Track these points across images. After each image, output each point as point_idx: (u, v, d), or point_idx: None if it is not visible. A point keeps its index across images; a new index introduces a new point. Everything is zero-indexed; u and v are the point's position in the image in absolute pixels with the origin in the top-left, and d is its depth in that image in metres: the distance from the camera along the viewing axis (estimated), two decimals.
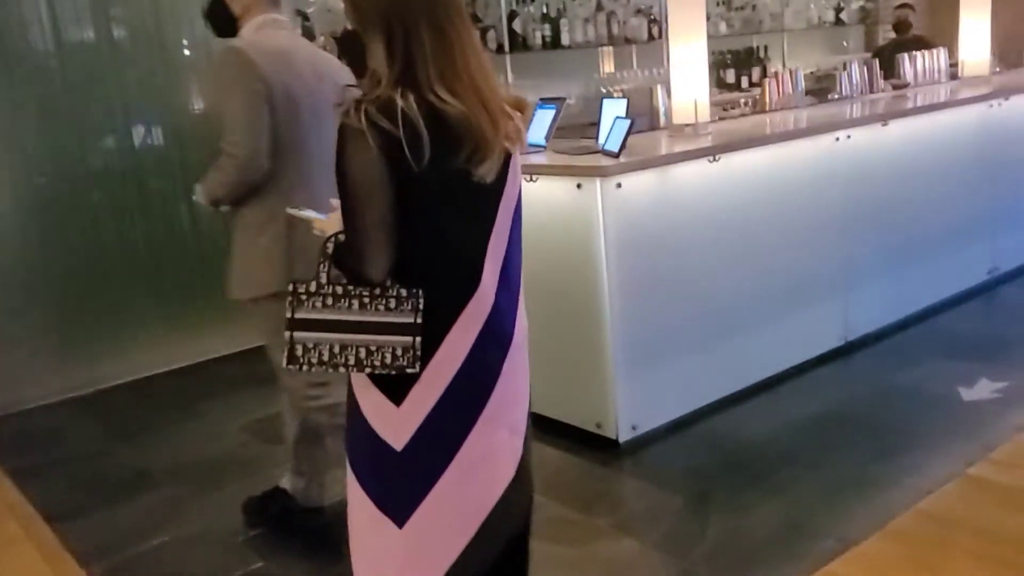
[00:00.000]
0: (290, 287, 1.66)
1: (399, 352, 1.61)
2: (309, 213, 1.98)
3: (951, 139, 4.62)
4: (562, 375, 3.49)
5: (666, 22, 6.17)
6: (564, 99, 3.67)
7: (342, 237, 1.67)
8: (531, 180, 3.35)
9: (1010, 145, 4.93)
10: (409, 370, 1.62)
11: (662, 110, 3.88)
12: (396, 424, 1.67)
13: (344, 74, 2.85)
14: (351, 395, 1.74)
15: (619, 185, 3.19)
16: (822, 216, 4.01)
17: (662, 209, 3.40)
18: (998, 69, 5.58)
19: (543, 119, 3.61)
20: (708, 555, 2.70)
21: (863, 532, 2.74)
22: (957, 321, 4.57)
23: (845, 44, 7.89)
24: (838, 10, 7.57)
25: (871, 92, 4.91)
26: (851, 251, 4.15)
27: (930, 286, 4.63)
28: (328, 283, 1.65)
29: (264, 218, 2.64)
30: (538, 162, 3.43)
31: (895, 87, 5.08)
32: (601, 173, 3.10)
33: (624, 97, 3.48)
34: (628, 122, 3.15)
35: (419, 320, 1.61)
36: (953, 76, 5.41)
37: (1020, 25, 6.02)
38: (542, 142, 3.57)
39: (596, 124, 3.70)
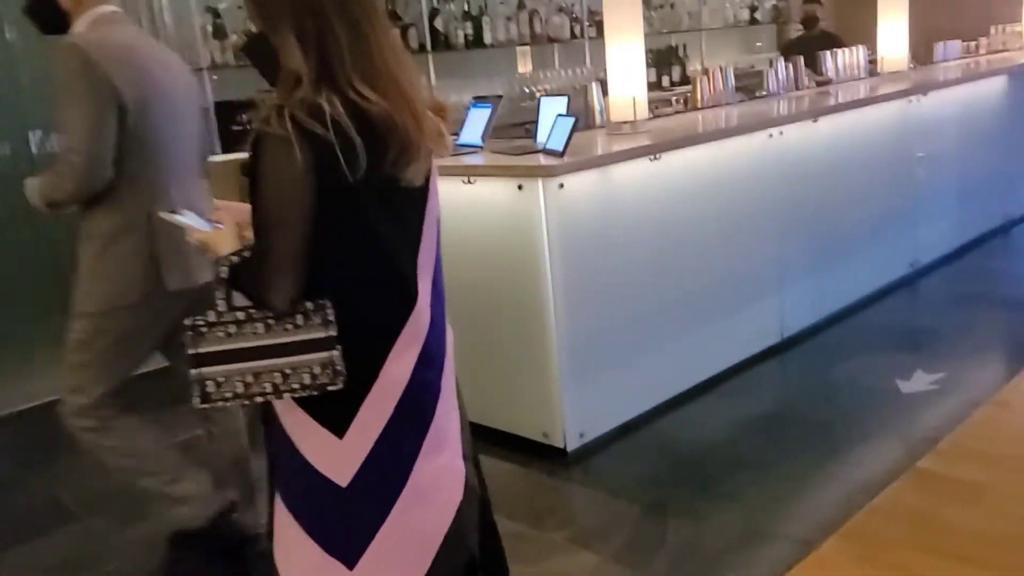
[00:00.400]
0: (187, 322, 1.51)
1: (317, 370, 1.48)
2: (188, 219, 1.78)
3: (874, 134, 4.69)
4: (506, 384, 3.37)
5: (587, 21, 6.17)
6: (500, 97, 3.55)
7: (236, 259, 1.52)
8: (469, 182, 3.22)
9: (927, 140, 5.04)
10: (331, 387, 1.49)
11: (598, 108, 3.80)
12: (340, 458, 1.54)
13: (186, 71, 2.70)
14: (282, 435, 1.58)
15: (561, 185, 3.08)
16: (757, 213, 4.00)
17: (604, 209, 3.31)
18: (912, 65, 5.71)
19: (478, 118, 3.48)
20: (669, 566, 2.62)
21: (820, 533, 2.72)
22: (886, 314, 4.63)
23: (759, 44, 8.00)
24: (753, 9, 7.67)
25: (796, 89, 4.94)
26: (785, 247, 4.16)
27: (858, 280, 4.68)
28: (229, 310, 1.50)
29: (121, 225, 2.47)
30: (475, 163, 3.30)
31: (818, 83, 5.14)
32: (545, 173, 2.99)
33: (565, 95, 3.37)
34: (572, 120, 3.04)
35: (332, 332, 1.48)
36: (871, 72, 5.51)
37: (930, 22, 6.18)
38: (478, 142, 3.44)
39: (528, 123, 3.61)
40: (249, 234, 1.52)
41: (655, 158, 3.36)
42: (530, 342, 3.26)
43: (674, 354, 3.66)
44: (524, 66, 6.16)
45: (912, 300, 4.88)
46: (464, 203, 3.31)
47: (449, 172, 3.29)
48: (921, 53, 6.25)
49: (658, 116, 4.11)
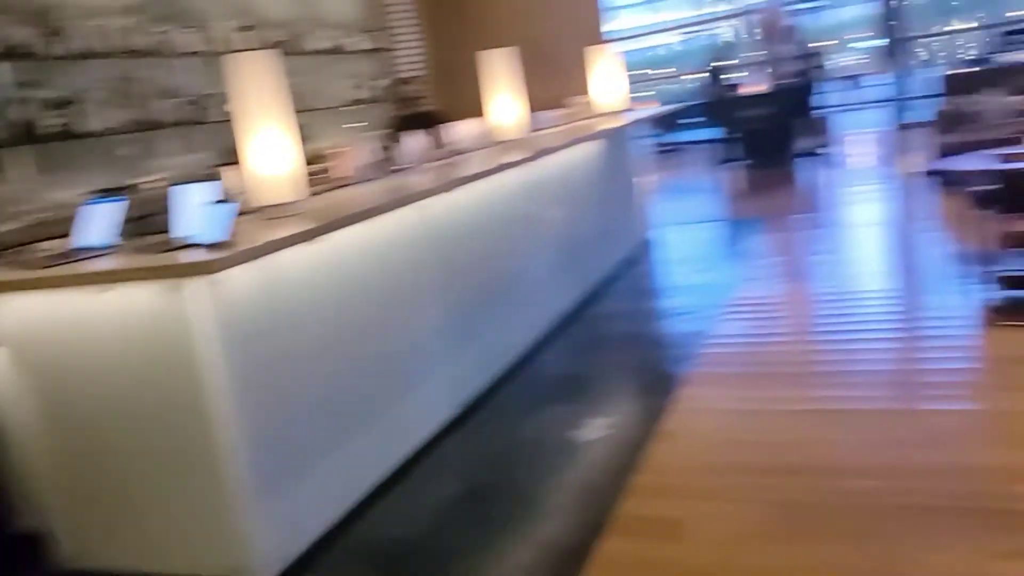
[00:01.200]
0: None
1: None
2: None
3: (503, 198, 4.87)
4: (177, 521, 2.87)
5: (202, 103, 5.74)
6: (129, 186, 3.06)
7: None
8: (105, 290, 2.71)
9: (544, 200, 5.40)
10: None
11: (237, 193, 3.45)
12: None
13: None
14: None
15: (222, 282, 2.71)
16: (417, 285, 3.92)
17: (269, 301, 2.98)
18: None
19: (102, 215, 2.97)
20: None
21: None
22: (543, 367, 4.78)
23: (365, 123, 8.10)
24: (364, 89, 7.78)
25: (428, 161, 5.00)
26: (447, 317, 4.12)
27: (513, 338, 4.81)
28: None
29: None
30: (111, 267, 2.78)
31: (447, 155, 5.25)
32: (205, 269, 2.58)
33: (203, 181, 3.00)
34: (232, 205, 2.69)
35: None
36: (489, 142, 5.76)
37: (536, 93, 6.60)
38: (108, 242, 2.93)
39: (140, 218, 3.16)
40: None
41: (318, 241, 3.11)
42: (202, 468, 2.80)
43: (363, 445, 3.40)
44: (138, 153, 5.53)
45: (561, 350, 5.10)
46: (99, 318, 2.79)
47: (76, 283, 2.75)
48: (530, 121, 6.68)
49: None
